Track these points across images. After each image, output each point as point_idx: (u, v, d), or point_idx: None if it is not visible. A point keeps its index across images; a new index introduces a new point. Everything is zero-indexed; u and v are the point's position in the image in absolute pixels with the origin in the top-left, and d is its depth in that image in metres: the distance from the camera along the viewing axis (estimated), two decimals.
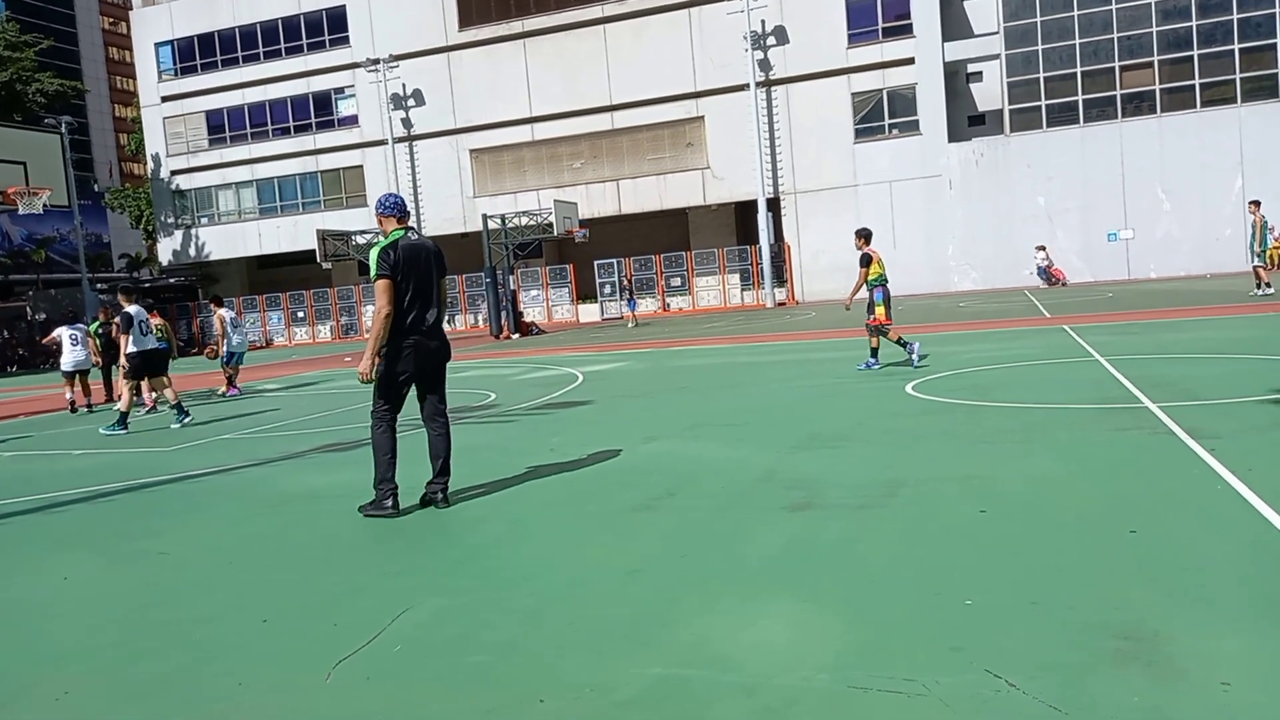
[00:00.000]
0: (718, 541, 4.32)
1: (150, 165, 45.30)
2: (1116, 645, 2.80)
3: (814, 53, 34.17)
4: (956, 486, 4.98)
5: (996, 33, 33.98)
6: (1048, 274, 31.96)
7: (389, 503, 5.25)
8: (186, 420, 11.00)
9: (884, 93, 34.05)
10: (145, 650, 3.49)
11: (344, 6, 39.48)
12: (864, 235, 10.89)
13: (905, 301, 28.83)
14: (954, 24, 34.52)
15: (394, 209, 5.31)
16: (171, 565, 4.72)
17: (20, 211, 13.81)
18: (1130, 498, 4.51)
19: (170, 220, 43.95)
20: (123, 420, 10.74)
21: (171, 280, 47.32)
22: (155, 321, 13.36)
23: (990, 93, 35.44)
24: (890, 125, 34.22)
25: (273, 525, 5.42)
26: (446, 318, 5.40)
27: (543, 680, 2.89)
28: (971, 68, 35.73)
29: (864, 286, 10.79)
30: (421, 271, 5.16)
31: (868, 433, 6.87)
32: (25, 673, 3.36)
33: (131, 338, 11.02)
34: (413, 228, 5.37)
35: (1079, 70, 33.12)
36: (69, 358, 13.76)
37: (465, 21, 37.85)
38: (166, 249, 44.71)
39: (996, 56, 34.18)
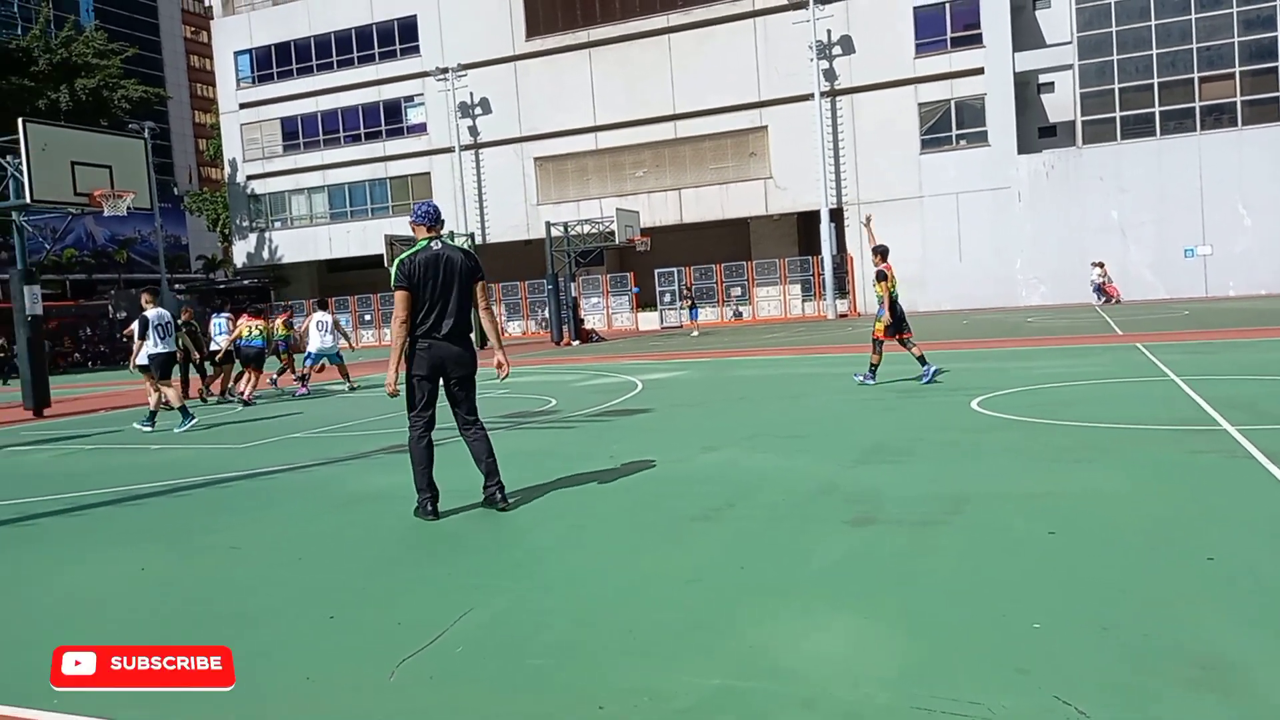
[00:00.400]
0: (777, 553, 4.30)
1: (227, 170, 46.74)
2: (1192, 674, 2.72)
3: (880, 62, 33.83)
4: (1023, 505, 4.87)
5: (1070, 43, 33.25)
6: (1102, 290, 31.14)
7: (426, 509, 5.34)
8: (190, 424, 11.00)
9: (952, 103, 33.55)
10: (216, 641, 3.59)
11: (415, 17, 40.29)
12: (881, 252, 11.01)
13: (971, 315, 28.33)
14: (1025, 34, 33.88)
15: (424, 217, 5.43)
16: (242, 560, 4.86)
17: (105, 213, 14.35)
18: (1206, 523, 4.37)
19: (245, 224, 45.28)
20: (151, 418, 11.13)
21: (245, 282, 48.68)
22: (256, 323, 14.40)
23: (1062, 103, 34.67)
24: (958, 136, 33.69)
25: (340, 523, 5.54)
26: (484, 322, 5.48)
27: (601, 686, 2.91)
28: (1043, 78, 34.97)
29: (878, 300, 10.94)
30: (440, 281, 5.24)
31: (931, 447, 6.77)
32: None
33: (150, 340, 11.26)
34: (440, 236, 5.45)
35: (1156, 81, 32.23)
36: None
37: (532, 31, 38.34)
38: (241, 251, 46.06)
39: (1069, 67, 33.43)
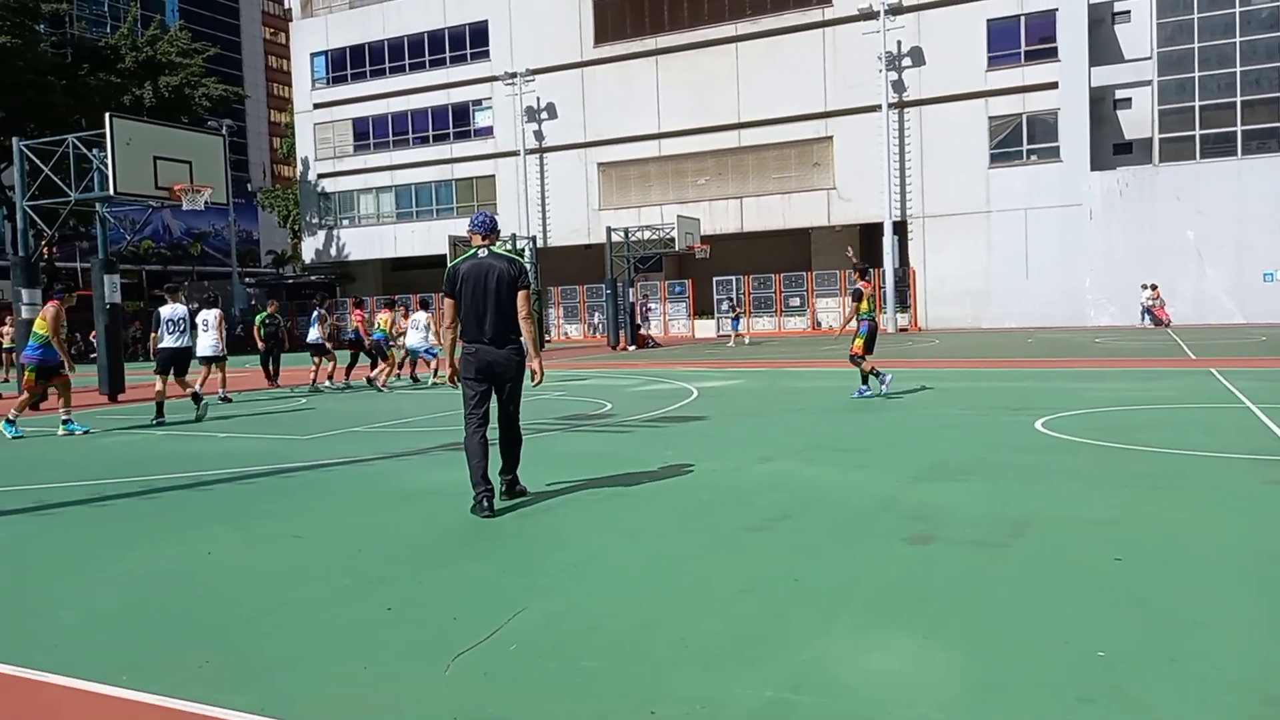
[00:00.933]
0: (833, 567, 4.26)
1: (299, 168, 47.91)
2: (1260, 711, 2.63)
3: (951, 74, 33.35)
4: (1088, 530, 4.76)
5: (1149, 58, 32.43)
6: (1152, 314, 30.33)
7: (482, 504, 5.48)
8: (158, 421, 11.21)
9: (1023, 117, 32.91)
10: (278, 628, 3.69)
11: (486, 21, 40.87)
12: (861, 271, 11.82)
13: (1036, 333, 27.73)
14: (1103, 48, 33.11)
15: (478, 227, 5.81)
16: (304, 548, 4.98)
17: (184, 207, 14.84)
18: None
19: (314, 221, 46.35)
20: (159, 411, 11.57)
21: (313, 277, 49.82)
22: (382, 316, 16.64)
23: (1139, 120, 33.80)
24: (1029, 151, 33.04)
25: (398, 517, 5.64)
26: (518, 332, 5.68)
27: (653, 691, 2.92)
28: (1120, 94, 34.15)
29: (854, 319, 11.45)
30: (481, 288, 5.56)
31: (992, 467, 6.64)
32: (170, 637, 3.60)
33: (161, 335, 11.88)
34: (489, 246, 5.73)
35: (1239, 99, 31.26)
36: (202, 343, 13.89)
37: (601, 38, 38.62)
38: (310, 248, 47.15)
39: (1148, 83, 32.60)
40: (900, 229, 34.30)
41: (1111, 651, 3.10)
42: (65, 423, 10.45)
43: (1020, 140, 33.09)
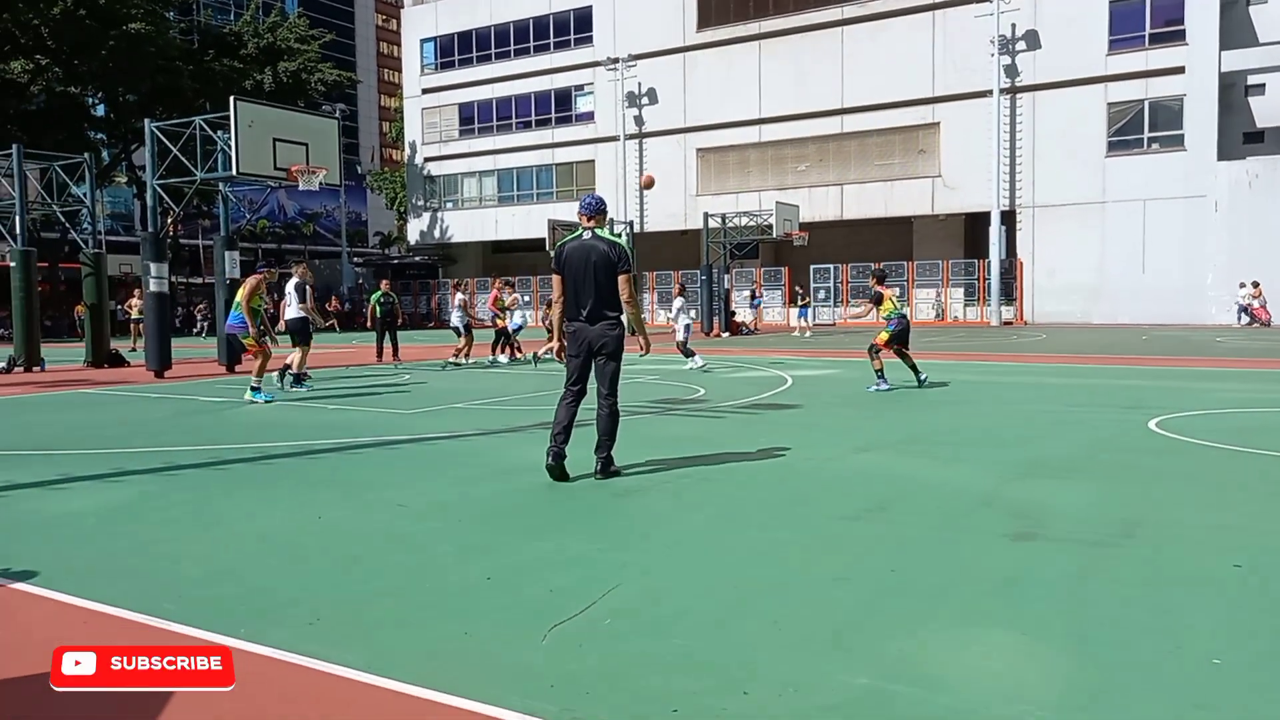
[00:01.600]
0: (930, 561, 4.19)
1: (407, 152, 49.24)
2: None
3: (1069, 59, 31.99)
4: (1204, 534, 4.55)
5: None
6: (1249, 313, 28.70)
7: (548, 455, 5.86)
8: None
9: (1145, 103, 31.36)
10: (384, 590, 3.84)
11: (590, 7, 41.14)
12: (879, 276, 12.20)
13: (1152, 331, 26.47)
14: (1235, 31, 31.21)
15: (586, 208, 6.03)
16: (408, 516, 5.15)
17: (300, 188, 15.44)
18: None
19: (420, 203, 47.62)
20: (297, 380, 12.43)
21: (417, 259, 51.23)
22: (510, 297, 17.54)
23: (1273, 107, 31.76)
24: (1150, 139, 31.47)
25: (497, 491, 5.78)
26: (618, 312, 5.92)
27: (745, 672, 2.93)
28: (1252, 79, 32.12)
29: (875, 315, 11.81)
30: (582, 269, 5.84)
31: (1101, 466, 6.39)
32: (284, 594, 3.79)
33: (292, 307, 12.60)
34: (594, 228, 5.93)
35: None
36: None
37: (704, 23, 38.42)
38: (415, 229, 48.48)
39: None
40: (1008, 219, 33.17)
41: (1229, 659, 2.97)
42: (253, 390, 10.93)
43: (1141, 128, 31.55)
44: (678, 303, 16.02)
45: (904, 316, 11.56)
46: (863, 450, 7.17)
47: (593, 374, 6.00)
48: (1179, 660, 2.98)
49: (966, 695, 2.73)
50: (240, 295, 11.17)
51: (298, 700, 2.81)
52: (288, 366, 12.51)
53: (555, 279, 6.02)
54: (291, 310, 12.86)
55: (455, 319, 17.31)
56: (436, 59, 46.42)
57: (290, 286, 13.01)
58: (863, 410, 9.82)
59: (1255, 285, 29.19)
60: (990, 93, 32.66)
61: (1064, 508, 5.13)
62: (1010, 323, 32.92)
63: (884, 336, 11.39)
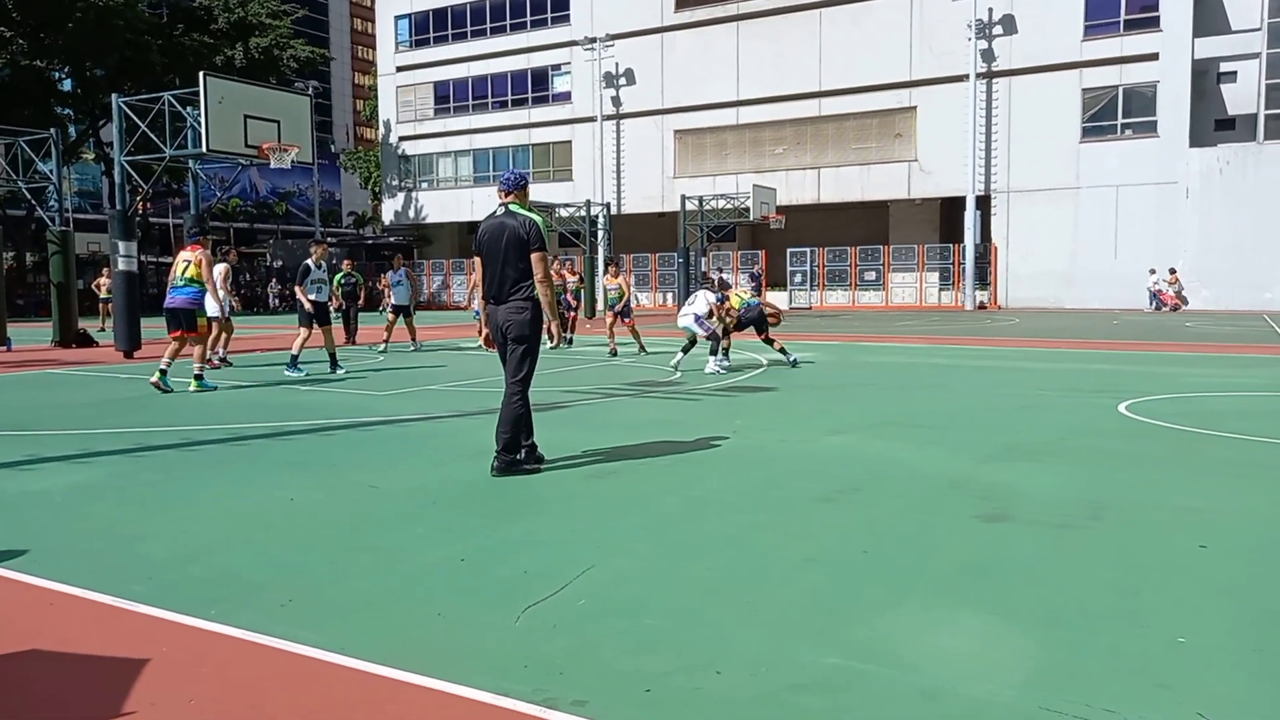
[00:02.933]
0: (902, 542, 4.22)
1: (381, 131, 48.72)
2: None
3: (1044, 44, 32.14)
4: (1171, 516, 4.62)
5: (1259, 29, 30.74)
6: (1159, 298, 29.91)
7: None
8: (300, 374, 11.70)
9: (1120, 89, 31.60)
10: (356, 571, 3.82)
11: None
12: (723, 284, 12.99)
13: (1124, 316, 26.79)
14: (1208, 18, 31.48)
15: (504, 183, 5.80)
16: (381, 498, 5.13)
17: (271, 165, 15.24)
18: None
19: (394, 183, 47.15)
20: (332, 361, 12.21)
21: (391, 239, 50.78)
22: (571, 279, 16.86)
23: (1244, 95, 32.14)
24: (1123, 125, 31.74)
25: (470, 473, 5.75)
26: (528, 292, 5.54)
27: (718, 651, 2.94)
28: (1224, 66, 32.48)
29: (734, 311, 12.49)
30: (496, 247, 5.59)
31: (1072, 449, 6.47)
32: (255, 577, 3.75)
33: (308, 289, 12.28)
34: (508, 204, 5.69)
35: None
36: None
37: (682, 3, 38.19)
38: (389, 209, 48.03)
39: (1256, 55, 30.96)
40: (983, 204, 33.38)
41: (1194, 639, 3.02)
42: (197, 379, 10.28)
43: (1115, 114, 31.81)
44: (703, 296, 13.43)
45: (751, 306, 12.62)
46: (836, 433, 7.21)
47: None
48: (1144, 640, 3.03)
49: (936, 675, 2.76)
50: (195, 270, 10.28)
51: (269, 681, 2.79)
52: (332, 355, 12.29)
53: (475, 261, 5.78)
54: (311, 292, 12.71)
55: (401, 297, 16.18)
56: (411, 36, 45.85)
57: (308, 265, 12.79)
58: (836, 394, 9.88)
59: (1172, 272, 30.37)
60: (966, 77, 32.77)
61: (1034, 490, 5.19)
62: (984, 307, 33.20)
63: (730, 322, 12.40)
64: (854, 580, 3.68)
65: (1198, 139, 31.12)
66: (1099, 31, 31.68)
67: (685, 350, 11.99)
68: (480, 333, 5.83)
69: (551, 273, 15.87)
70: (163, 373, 10.00)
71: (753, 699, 2.62)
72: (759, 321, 12.57)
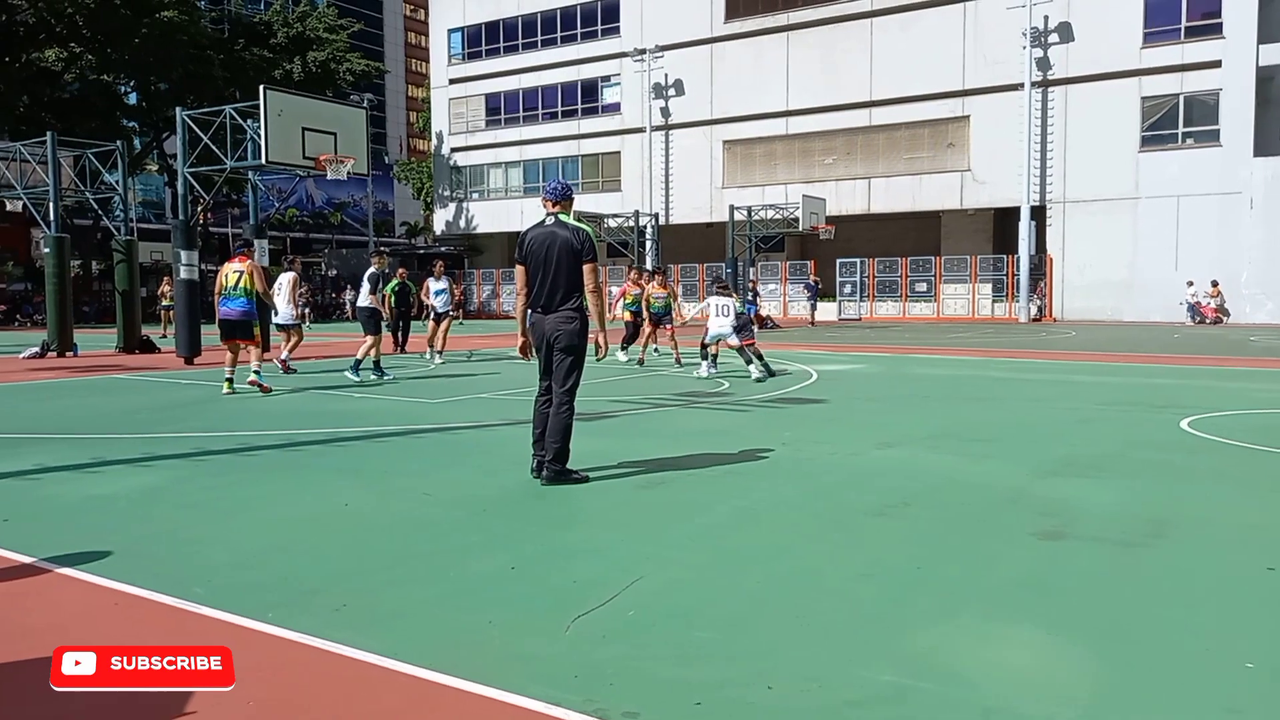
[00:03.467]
0: (956, 557, 4.15)
1: (434, 142, 49.42)
2: None
3: (1102, 52, 31.52)
4: (1237, 535, 4.48)
5: None
6: (1198, 311, 29.24)
7: (531, 465, 5.69)
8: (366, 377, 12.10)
9: (1180, 98, 30.84)
10: (409, 577, 3.87)
11: None
12: (724, 289, 13.50)
13: (1184, 329, 26.09)
14: (1273, 24, 30.57)
15: (551, 193, 5.72)
16: (433, 505, 5.18)
17: (328, 176, 15.54)
18: None
19: (446, 193, 47.78)
20: (376, 367, 12.49)
21: (442, 249, 51.45)
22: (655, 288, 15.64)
23: None
24: (1184, 134, 30.96)
25: (521, 482, 5.78)
26: (578, 302, 5.58)
27: (768, 665, 2.92)
28: None
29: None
30: (543, 256, 5.53)
31: (1131, 465, 6.31)
32: (311, 581, 3.81)
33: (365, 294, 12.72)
34: (556, 214, 5.63)
35: None
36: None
37: (732, 14, 38.19)
38: (440, 219, 48.66)
39: None
40: (1038, 214, 32.79)
41: (1262, 664, 2.92)
42: (256, 373, 10.67)
43: (1175, 123, 31.05)
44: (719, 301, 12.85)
45: (748, 310, 13.67)
46: (888, 445, 7.12)
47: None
48: (1210, 663, 2.94)
49: (995, 692, 2.71)
50: (246, 280, 10.63)
51: (325, 685, 2.83)
52: (370, 358, 12.55)
53: (519, 269, 5.66)
54: (363, 299, 12.88)
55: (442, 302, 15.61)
56: (464, 49, 46.50)
57: (366, 276, 13.12)
58: (887, 405, 9.76)
59: (1214, 285, 29.80)
60: (1021, 86, 32.26)
61: (1093, 506, 5.07)
62: (1039, 319, 32.57)
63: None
64: (908, 594, 3.63)
65: (1262, 148, 30.22)
66: (1159, 39, 30.98)
67: (708, 357, 12.66)
68: (520, 344, 5.81)
69: (629, 285, 15.60)
70: (229, 381, 10.55)
71: (806, 713, 2.59)
72: (749, 327, 12.98)
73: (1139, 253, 31.37)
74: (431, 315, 15.66)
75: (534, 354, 5.75)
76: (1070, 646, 3.09)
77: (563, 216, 5.67)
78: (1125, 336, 22.51)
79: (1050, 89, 32.60)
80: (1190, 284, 29.83)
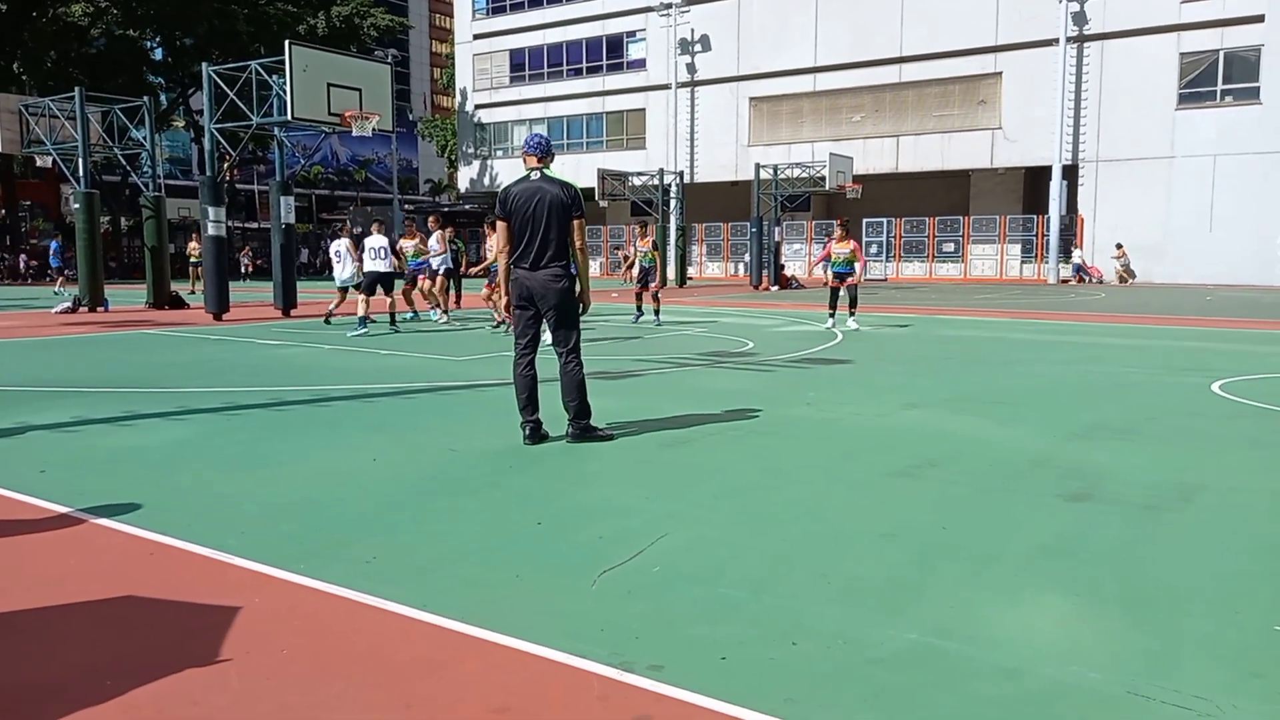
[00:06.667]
0: (982, 519, 4.15)
1: (458, 99, 49.14)
2: None
3: (1139, 6, 30.70)
4: (1269, 501, 4.44)
5: None
6: (1084, 270, 30.49)
7: (524, 432, 5.55)
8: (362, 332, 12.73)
9: (1220, 53, 30.03)
10: (437, 531, 3.92)
11: None
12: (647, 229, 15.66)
13: (1217, 291, 25.66)
14: None
15: (532, 148, 5.56)
16: (460, 461, 5.23)
17: (354, 133, 15.52)
18: None
19: (470, 151, 47.61)
20: (363, 322, 12.96)
21: (466, 206, 51.41)
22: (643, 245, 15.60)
23: None
24: (1223, 91, 30.19)
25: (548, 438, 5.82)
26: (565, 260, 5.46)
27: (793, 623, 2.94)
28: None
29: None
30: (529, 212, 5.38)
31: (1161, 429, 6.26)
32: (341, 534, 3.88)
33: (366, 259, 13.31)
34: (540, 169, 5.50)
35: None
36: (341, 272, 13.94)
37: None
38: (465, 177, 48.57)
39: None
40: (1070, 173, 32.21)
41: None
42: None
43: (1214, 79, 30.27)
44: None
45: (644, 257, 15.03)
46: (913, 406, 7.10)
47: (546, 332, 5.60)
48: (1237, 627, 2.93)
49: (1018, 654, 2.72)
50: (410, 242, 15.08)
51: (357, 634, 2.89)
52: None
53: (500, 225, 5.49)
54: (436, 260, 15.11)
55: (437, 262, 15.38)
56: (488, 4, 46.01)
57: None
58: (914, 367, 9.71)
59: (1119, 247, 31.29)
60: (1055, 41, 31.52)
61: (1121, 470, 5.04)
62: (1069, 281, 32.16)
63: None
64: (932, 556, 3.64)
65: None
66: None
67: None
68: (503, 303, 5.69)
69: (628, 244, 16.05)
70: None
71: (830, 672, 2.61)
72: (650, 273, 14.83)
73: (1173, 213, 30.80)
74: (438, 272, 15.34)
75: (512, 313, 5.64)
76: (1095, 609, 3.09)
77: (547, 171, 5.56)
78: (1156, 299, 22.19)
79: (1085, 44, 31.84)
80: (1119, 246, 31.18)
